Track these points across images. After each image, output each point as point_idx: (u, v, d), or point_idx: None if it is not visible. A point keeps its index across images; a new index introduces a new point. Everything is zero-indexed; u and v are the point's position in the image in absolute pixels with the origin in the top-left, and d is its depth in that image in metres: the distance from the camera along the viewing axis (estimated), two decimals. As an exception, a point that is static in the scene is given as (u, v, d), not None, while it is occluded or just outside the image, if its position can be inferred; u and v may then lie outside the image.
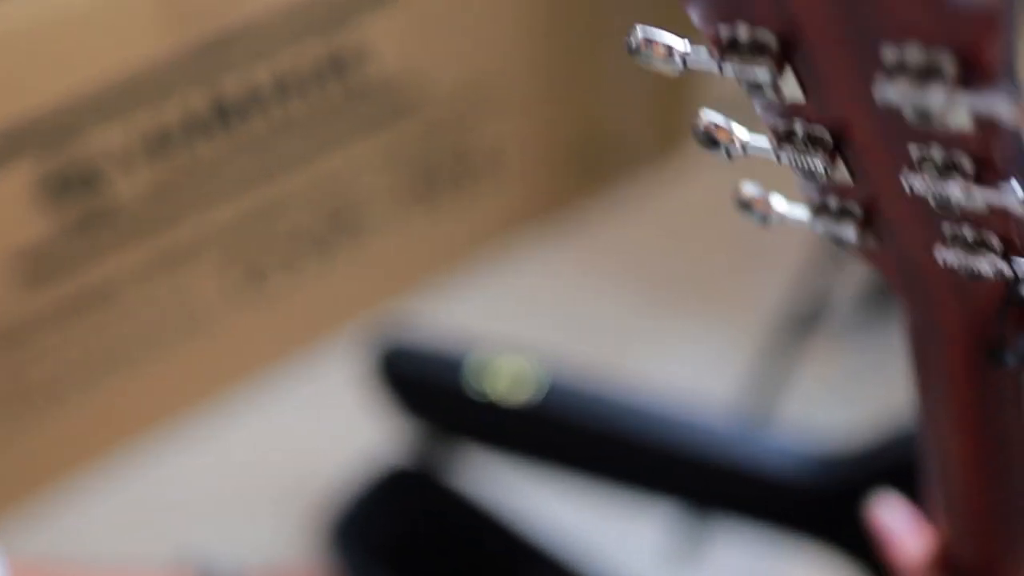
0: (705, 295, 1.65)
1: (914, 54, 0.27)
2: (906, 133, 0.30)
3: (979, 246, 0.33)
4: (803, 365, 1.42)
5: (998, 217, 0.32)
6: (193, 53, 1.33)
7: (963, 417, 0.42)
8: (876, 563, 0.94)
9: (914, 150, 0.31)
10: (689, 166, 1.83)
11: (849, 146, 0.32)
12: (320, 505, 1.28)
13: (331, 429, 1.49)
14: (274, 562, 1.37)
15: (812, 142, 0.32)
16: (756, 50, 0.30)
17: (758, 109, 0.33)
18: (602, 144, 1.79)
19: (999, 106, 0.26)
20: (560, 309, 1.66)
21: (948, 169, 0.30)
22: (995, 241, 0.33)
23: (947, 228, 0.33)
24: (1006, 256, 0.33)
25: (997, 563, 0.50)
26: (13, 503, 1.46)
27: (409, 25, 1.49)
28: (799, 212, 0.37)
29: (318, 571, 1.21)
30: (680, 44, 0.32)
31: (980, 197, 0.30)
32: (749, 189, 0.38)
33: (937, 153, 0.30)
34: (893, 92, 0.27)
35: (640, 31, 0.33)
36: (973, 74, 0.26)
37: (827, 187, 0.35)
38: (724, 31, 0.30)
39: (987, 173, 0.30)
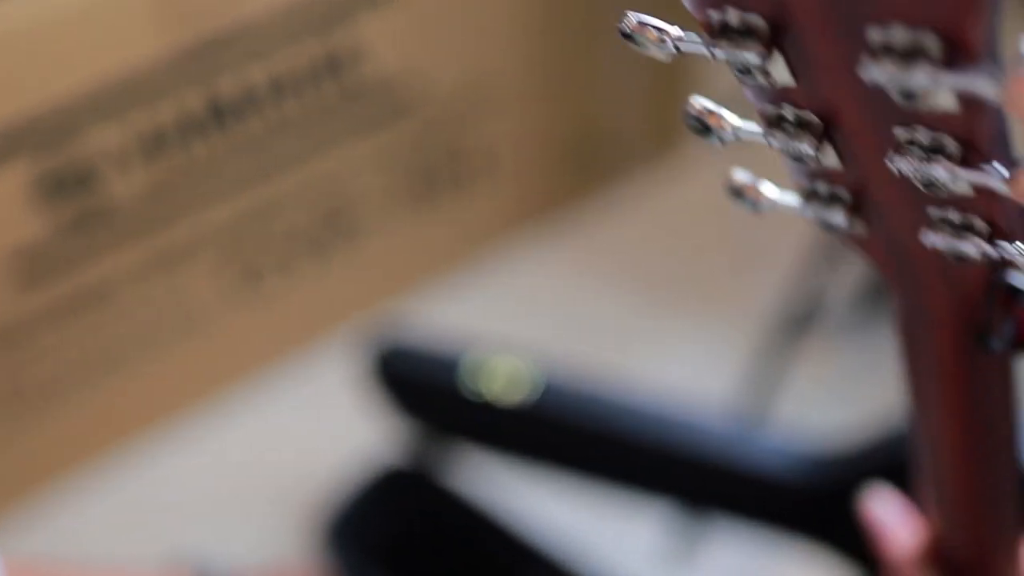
0: (701, 295, 1.65)
1: (899, 35, 0.27)
2: (893, 116, 0.31)
3: (965, 229, 0.33)
4: (798, 365, 1.42)
5: (983, 200, 0.32)
6: (189, 53, 1.33)
7: (952, 402, 0.42)
8: (870, 562, 0.95)
9: (900, 133, 0.31)
10: (685, 166, 1.83)
11: (838, 130, 0.33)
12: (316, 505, 1.28)
13: (327, 429, 1.49)
14: (270, 562, 1.37)
15: (801, 126, 0.33)
16: (746, 34, 0.30)
17: (748, 95, 0.34)
18: (598, 144, 1.79)
19: (982, 85, 0.27)
20: (556, 309, 1.66)
21: (934, 151, 0.30)
22: (981, 224, 0.33)
23: (934, 212, 0.34)
24: (991, 239, 0.33)
25: (987, 553, 0.51)
26: (9, 503, 1.46)
27: (405, 25, 1.49)
28: (789, 199, 0.37)
29: (314, 571, 1.21)
30: (672, 28, 0.32)
31: (965, 178, 0.30)
32: (740, 176, 0.38)
33: (923, 135, 0.30)
34: (879, 73, 0.28)
35: (633, 16, 0.33)
36: (957, 54, 0.27)
37: (816, 172, 0.35)
38: (715, 15, 0.31)
39: (972, 155, 0.30)
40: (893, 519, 0.56)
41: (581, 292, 1.69)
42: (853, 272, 1.46)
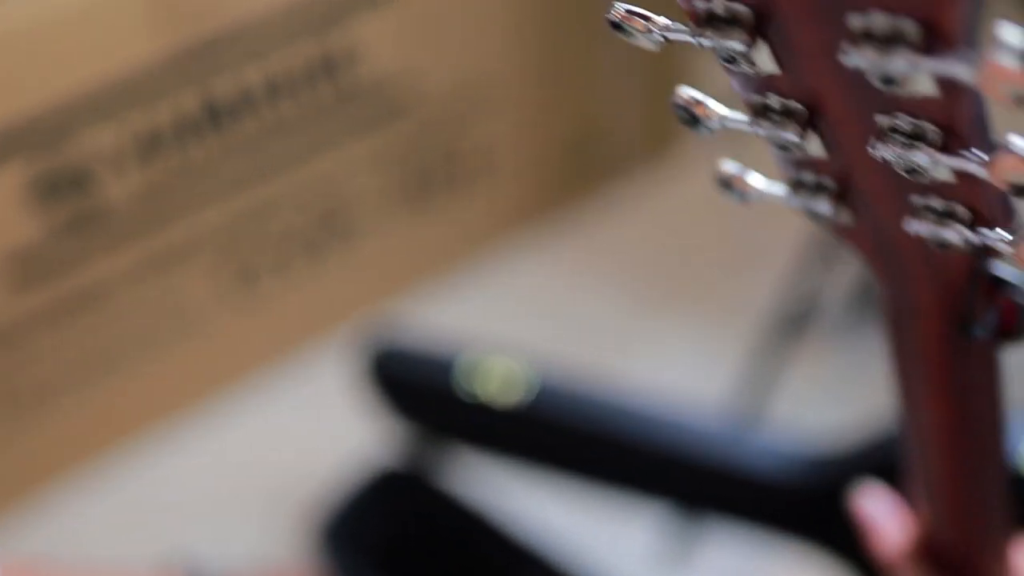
0: (697, 295, 1.65)
1: (879, 21, 0.27)
2: (875, 103, 0.31)
3: (947, 216, 0.34)
4: (793, 365, 1.43)
5: (965, 186, 0.32)
6: (184, 54, 1.33)
7: (938, 393, 0.42)
8: (864, 563, 0.95)
9: (882, 120, 0.31)
10: (682, 166, 1.83)
11: (822, 119, 0.33)
12: (312, 506, 1.28)
13: (323, 430, 1.49)
14: (265, 563, 1.37)
15: (786, 115, 0.33)
16: (731, 22, 0.31)
17: (735, 85, 0.34)
18: (595, 144, 1.79)
19: (960, 70, 0.27)
20: (553, 309, 1.66)
21: (914, 138, 0.31)
22: (962, 211, 0.33)
23: (916, 199, 0.34)
24: (973, 226, 0.33)
25: (975, 548, 0.51)
26: (6, 504, 1.45)
27: (401, 26, 1.49)
28: (777, 189, 0.37)
29: (309, 572, 1.21)
30: (658, 18, 0.33)
31: (945, 164, 0.31)
32: (728, 167, 0.38)
33: (904, 122, 0.31)
34: (860, 59, 0.28)
35: (620, 5, 0.33)
36: (935, 40, 0.27)
37: (802, 162, 0.35)
38: (700, 4, 0.31)
39: (951, 140, 0.30)
40: (884, 516, 0.56)
41: (577, 293, 1.69)
42: (848, 273, 1.47)
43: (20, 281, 1.33)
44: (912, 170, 0.32)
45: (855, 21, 0.28)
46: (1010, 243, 0.33)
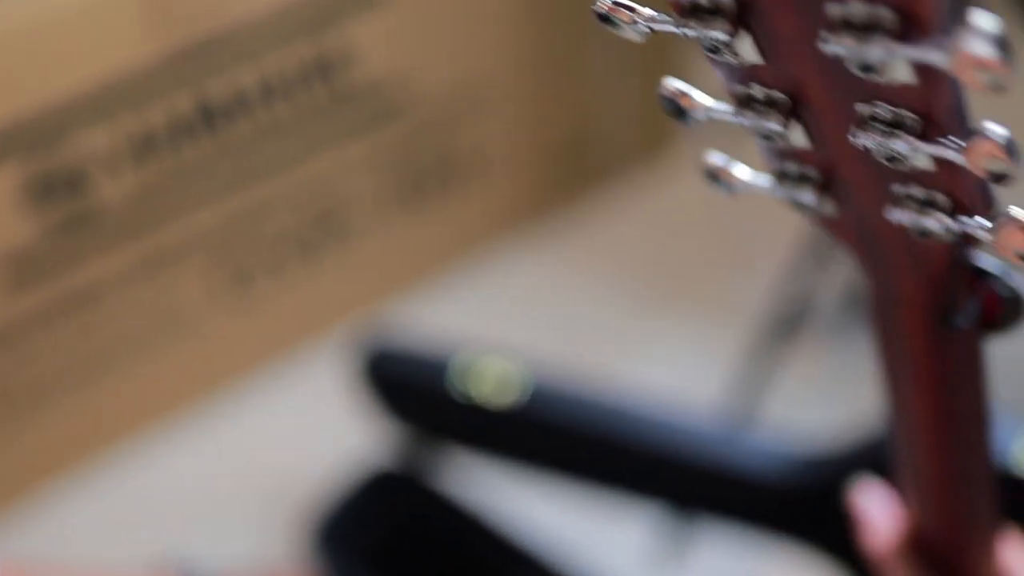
0: (691, 296, 1.65)
1: (857, 9, 0.28)
2: (855, 92, 0.31)
3: (928, 205, 0.34)
4: (787, 365, 1.43)
5: (945, 174, 0.33)
6: (179, 56, 1.33)
7: (923, 384, 0.42)
8: (857, 563, 0.95)
9: (863, 108, 0.31)
10: (676, 167, 1.84)
11: (805, 108, 0.33)
12: (306, 507, 1.28)
13: (318, 431, 1.49)
14: (259, 564, 1.37)
15: (770, 105, 0.34)
16: (714, 12, 0.31)
17: (719, 75, 0.34)
18: (589, 145, 1.79)
19: (935, 57, 0.27)
20: (547, 310, 1.66)
21: (894, 125, 0.31)
22: (943, 199, 0.34)
23: (898, 188, 0.34)
24: (953, 214, 0.34)
25: (963, 541, 0.51)
26: (0, 504, 1.46)
27: (395, 27, 1.49)
28: (762, 180, 0.38)
29: (303, 573, 1.21)
30: (643, 8, 0.33)
31: (924, 151, 0.31)
32: (714, 159, 0.39)
33: (883, 110, 0.31)
34: (838, 47, 0.28)
35: None
36: (911, 28, 0.27)
37: (787, 152, 0.36)
38: None
39: (930, 128, 0.31)
40: (877, 511, 0.56)
41: (572, 293, 1.69)
42: (842, 274, 1.47)
43: (14, 282, 1.33)
44: (892, 158, 0.32)
45: (833, 9, 0.28)
46: (990, 231, 0.33)
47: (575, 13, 1.65)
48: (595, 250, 1.76)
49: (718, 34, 0.31)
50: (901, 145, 0.31)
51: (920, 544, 0.52)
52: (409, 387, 1.21)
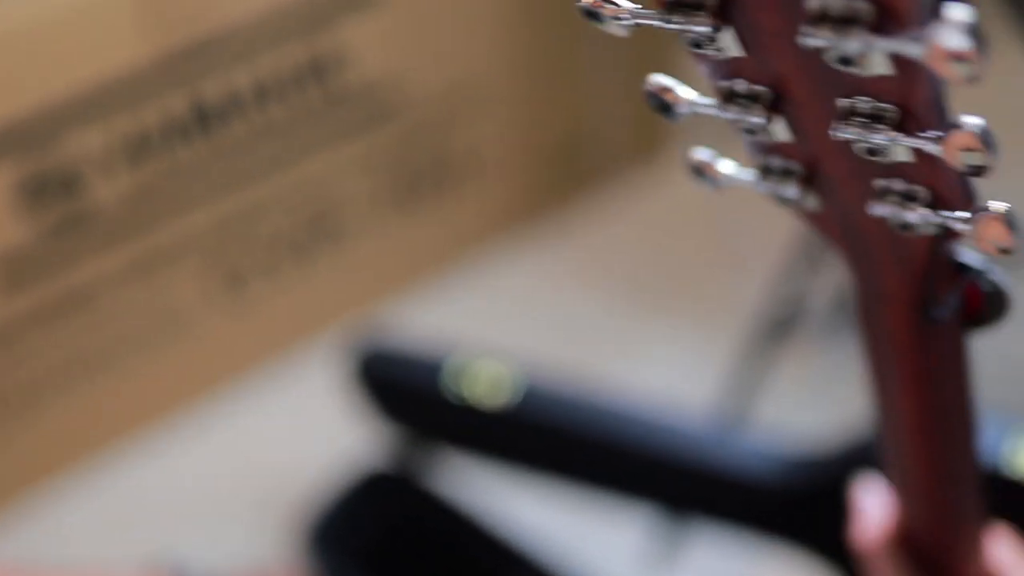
0: (684, 298, 1.66)
1: (835, 2, 0.28)
2: (836, 86, 0.32)
3: (909, 198, 0.34)
4: (780, 367, 1.43)
5: (925, 168, 0.33)
6: (173, 57, 1.34)
7: (908, 379, 0.42)
8: (849, 565, 0.95)
9: (843, 102, 0.32)
10: (669, 170, 1.84)
11: (788, 103, 0.34)
12: (300, 508, 1.28)
13: (311, 433, 1.49)
14: (253, 566, 1.37)
15: (753, 99, 0.34)
16: (696, 6, 0.32)
17: (703, 71, 0.35)
18: (582, 147, 1.80)
19: (912, 49, 0.27)
20: (541, 312, 1.67)
21: (874, 119, 0.31)
22: (923, 193, 0.34)
23: (880, 183, 0.35)
24: (934, 208, 0.34)
25: (948, 537, 0.51)
26: (-8, 508, 1.46)
27: (389, 29, 1.49)
28: (746, 174, 0.38)
29: (297, 574, 1.21)
30: (627, 3, 0.33)
31: (903, 144, 0.31)
32: (699, 154, 0.39)
33: (863, 104, 0.31)
34: (817, 40, 0.28)
35: None
36: (888, 20, 0.28)
37: (771, 147, 0.36)
38: None
39: (909, 121, 0.31)
40: (871, 505, 0.56)
41: (565, 295, 1.69)
42: (834, 275, 1.47)
43: (8, 283, 1.33)
44: (872, 151, 0.32)
45: (812, 2, 0.28)
46: (970, 225, 0.34)
47: (569, 15, 1.65)
48: (588, 252, 1.76)
49: (701, 28, 0.32)
50: (881, 138, 0.32)
51: (908, 540, 0.53)
52: (403, 388, 1.21)
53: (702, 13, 0.32)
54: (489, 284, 1.72)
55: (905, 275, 0.38)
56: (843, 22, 0.28)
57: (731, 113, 0.34)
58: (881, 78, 0.30)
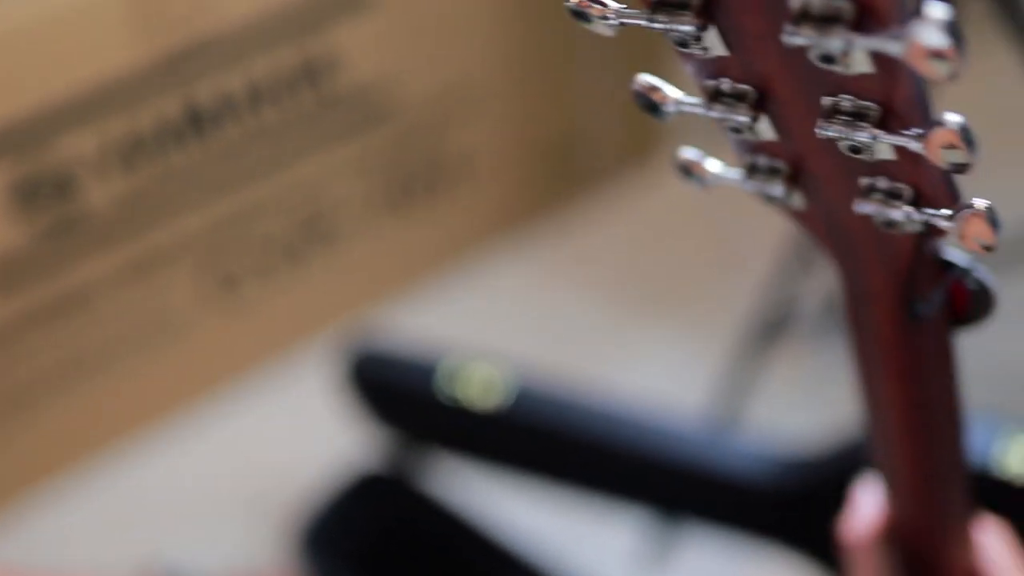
0: (676, 300, 1.66)
1: (816, 1, 0.28)
2: (820, 85, 0.32)
3: (893, 196, 0.34)
4: (772, 369, 1.43)
5: (908, 165, 0.33)
6: (166, 60, 1.34)
7: (894, 376, 0.43)
8: (840, 566, 0.95)
9: (827, 101, 0.32)
10: (662, 172, 1.84)
11: (773, 102, 0.34)
12: (293, 510, 1.28)
13: (305, 435, 1.49)
14: (247, 567, 1.37)
15: (738, 98, 0.34)
16: (680, 6, 0.32)
17: (689, 70, 0.35)
18: (575, 150, 1.80)
19: (892, 47, 0.28)
20: (534, 314, 1.67)
21: (857, 117, 0.32)
22: (907, 190, 0.34)
23: (865, 181, 0.35)
24: (917, 205, 0.34)
25: (937, 533, 0.51)
26: (-15, 511, 1.46)
27: (382, 32, 1.50)
28: (733, 173, 0.38)
29: (290, 576, 1.21)
30: (612, 3, 0.34)
31: (886, 141, 0.32)
32: (687, 154, 0.39)
33: (847, 102, 0.32)
34: (799, 38, 0.29)
35: None
36: (869, 18, 0.28)
37: (757, 146, 0.36)
38: None
39: (892, 119, 0.31)
40: (863, 501, 0.56)
41: (558, 297, 1.69)
42: (826, 276, 1.47)
43: (2, 286, 1.33)
44: (856, 149, 0.33)
45: (795, 2, 0.29)
46: (953, 222, 0.34)
47: (561, 17, 1.65)
48: (582, 254, 1.76)
49: (686, 28, 0.32)
50: (864, 136, 0.32)
51: (897, 535, 0.53)
52: (396, 390, 1.21)
53: (687, 13, 0.32)
54: (483, 286, 1.72)
55: (890, 273, 0.39)
56: (825, 21, 0.28)
57: (717, 112, 0.35)
58: (864, 76, 0.30)
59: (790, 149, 0.36)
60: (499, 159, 1.72)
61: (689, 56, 0.34)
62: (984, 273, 0.40)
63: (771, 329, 1.40)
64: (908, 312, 0.39)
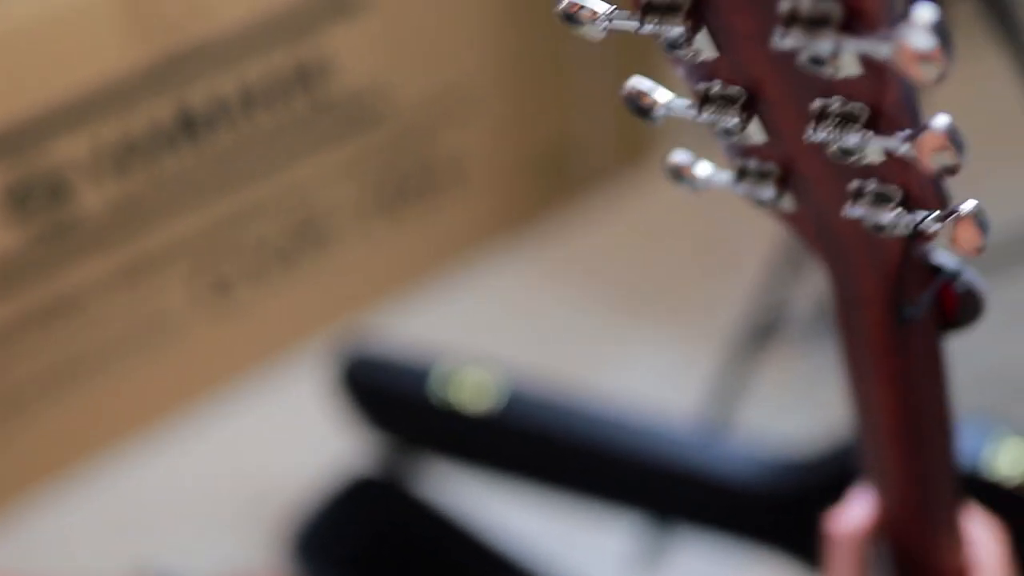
0: (668, 304, 1.66)
1: (805, 4, 0.28)
2: (809, 87, 0.32)
3: (882, 199, 0.34)
4: (763, 372, 1.43)
5: (897, 169, 0.33)
6: (160, 65, 1.34)
7: (884, 379, 0.43)
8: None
9: (817, 104, 0.32)
10: (653, 177, 1.84)
11: (763, 104, 0.34)
12: (286, 514, 1.28)
13: (297, 439, 1.49)
14: (240, 570, 1.37)
15: (729, 101, 0.34)
16: (671, 8, 0.32)
17: (680, 74, 0.35)
18: (568, 154, 1.80)
19: (880, 50, 0.28)
20: (526, 319, 1.67)
21: (846, 119, 0.32)
22: (896, 193, 0.34)
23: (854, 184, 0.35)
24: (906, 208, 0.34)
25: (927, 530, 0.51)
26: (-23, 515, 1.45)
27: (375, 37, 1.50)
28: (723, 176, 0.38)
29: (282, 580, 1.21)
30: (601, 6, 0.34)
31: (875, 144, 0.32)
32: (677, 157, 0.39)
33: (836, 105, 0.32)
34: (788, 41, 0.29)
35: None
36: (857, 21, 0.28)
37: (748, 149, 0.36)
38: None
39: (881, 122, 0.31)
40: (855, 499, 0.56)
41: (550, 301, 1.69)
42: (817, 280, 1.48)
43: (-6, 290, 1.33)
44: (844, 152, 0.33)
45: (784, 5, 0.29)
46: (942, 224, 0.34)
47: (553, 22, 1.65)
48: (573, 259, 1.76)
49: (676, 30, 0.32)
50: (853, 140, 0.32)
51: (887, 535, 0.53)
52: (388, 394, 1.21)
53: (677, 15, 0.32)
54: (476, 290, 1.72)
55: (879, 276, 0.39)
56: (813, 23, 0.28)
57: (708, 115, 0.35)
58: (852, 79, 0.30)
59: (780, 151, 0.36)
60: (492, 163, 1.72)
61: (680, 60, 0.34)
62: (973, 276, 0.40)
63: (762, 332, 1.40)
64: (898, 316, 0.39)
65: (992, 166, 1.63)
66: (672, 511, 1.09)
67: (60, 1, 1.25)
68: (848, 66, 0.29)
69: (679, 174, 0.40)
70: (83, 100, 1.30)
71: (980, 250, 0.33)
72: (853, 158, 0.33)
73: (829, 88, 0.32)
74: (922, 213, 0.34)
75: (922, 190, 0.34)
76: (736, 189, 0.38)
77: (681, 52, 0.33)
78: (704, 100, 0.35)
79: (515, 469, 1.16)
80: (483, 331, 1.62)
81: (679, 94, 0.37)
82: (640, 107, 0.37)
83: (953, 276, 0.39)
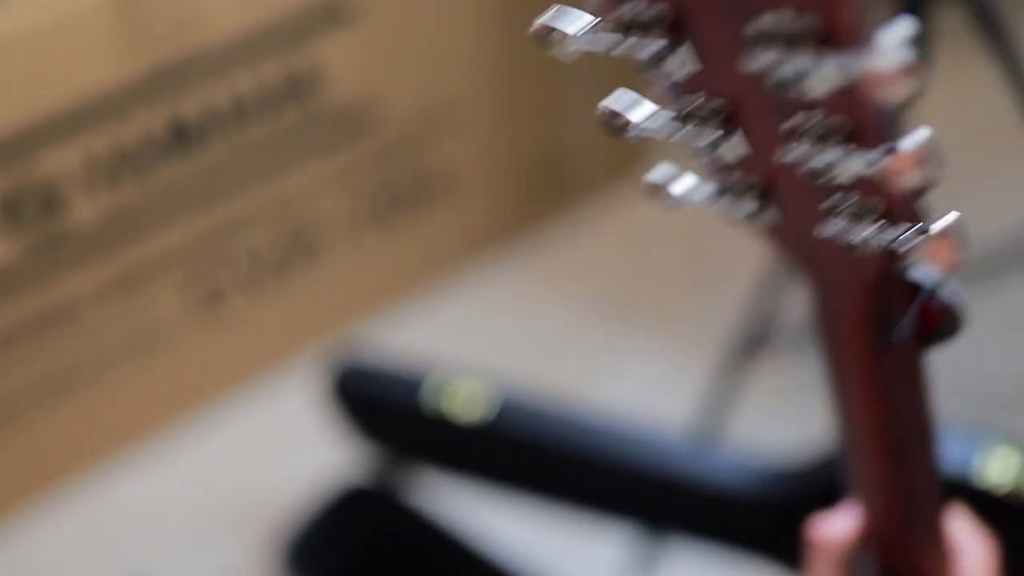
0: (659, 315, 1.66)
1: (779, 22, 0.28)
2: (786, 105, 0.32)
3: (860, 216, 0.34)
4: (754, 382, 1.44)
5: (872, 184, 0.33)
6: (152, 75, 1.34)
7: (866, 393, 0.43)
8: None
9: (794, 120, 0.32)
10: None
11: (743, 121, 0.34)
12: (278, 525, 1.28)
13: (290, 449, 1.49)
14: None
15: (708, 118, 0.34)
16: (651, 25, 0.32)
17: (659, 89, 0.35)
18: (559, 166, 1.80)
19: (854, 67, 0.28)
20: (517, 329, 1.67)
21: (822, 138, 0.32)
22: (874, 210, 0.34)
23: (833, 200, 0.35)
24: (884, 224, 0.34)
25: (911, 541, 0.51)
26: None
27: (366, 47, 1.50)
28: (703, 191, 0.38)
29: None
30: (578, 26, 0.34)
31: (851, 163, 0.32)
32: (654, 175, 0.39)
33: (812, 122, 0.32)
34: (763, 60, 0.29)
35: (542, 19, 0.34)
36: (831, 38, 0.28)
37: (728, 166, 0.36)
38: (623, 9, 0.32)
39: (857, 140, 0.31)
40: (843, 510, 0.56)
41: (542, 312, 1.70)
42: (806, 290, 1.48)
43: (-13, 301, 1.33)
44: (819, 170, 0.33)
45: (754, 25, 0.29)
46: (920, 239, 0.34)
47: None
48: (565, 269, 1.76)
49: (654, 47, 0.32)
50: (830, 156, 0.32)
51: (872, 546, 0.53)
52: (380, 404, 1.21)
53: (659, 29, 0.32)
54: (467, 300, 1.72)
55: (859, 292, 0.39)
56: (787, 41, 0.28)
57: (687, 132, 0.35)
58: (829, 97, 0.30)
59: (760, 168, 0.36)
60: (483, 174, 1.72)
61: (658, 77, 0.34)
62: (953, 291, 0.40)
63: (753, 342, 1.40)
64: (885, 336, 0.39)
65: (981, 174, 1.64)
66: (664, 520, 1.09)
67: (53, 12, 1.25)
68: (816, 88, 0.29)
69: (655, 192, 0.39)
70: (76, 111, 1.30)
71: (957, 266, 0.33)
72: (824, 178, 0.33)
73: (803, 105, 0.31)
74: (898, 229, 0.34)
75: (898, 206, 0.34)
76: (712, 208, 0.38)
77: (662, 67, 0.33)
78: (684, 118, 0.35)
79: (507, 478, 1.16)
80: (475, 341, 1.63)
81: (664, 106, 0.37)
82: (614, 127, 0.37)
83: (933, 290, 0.39)
